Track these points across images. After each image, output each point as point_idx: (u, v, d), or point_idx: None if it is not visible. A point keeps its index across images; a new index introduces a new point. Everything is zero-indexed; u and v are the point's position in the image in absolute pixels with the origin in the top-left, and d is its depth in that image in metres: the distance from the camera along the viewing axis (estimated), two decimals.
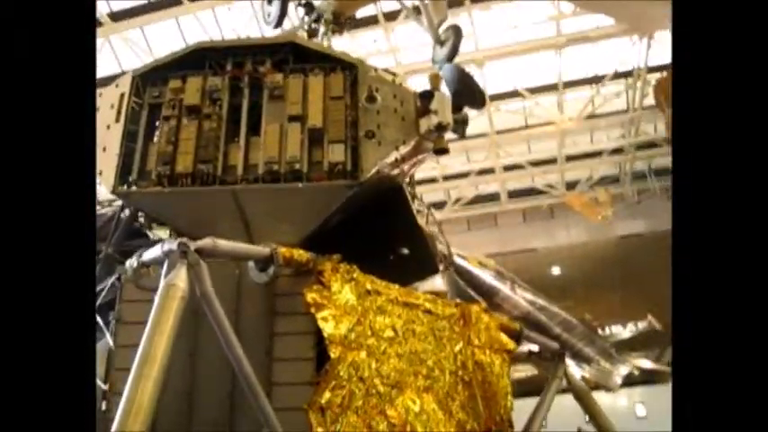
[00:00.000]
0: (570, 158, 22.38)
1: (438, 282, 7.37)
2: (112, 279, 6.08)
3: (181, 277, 4.65)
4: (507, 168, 23.23)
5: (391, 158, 6.71)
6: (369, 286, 6.09)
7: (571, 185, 22.91)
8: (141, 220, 7.96)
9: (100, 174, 6.61)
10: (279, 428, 5.04)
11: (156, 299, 4.53)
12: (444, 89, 7.34)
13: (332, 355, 5.43)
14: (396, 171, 7.03)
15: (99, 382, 5.69)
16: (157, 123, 6.94)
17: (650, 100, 19.80)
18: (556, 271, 25.18)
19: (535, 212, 24.67)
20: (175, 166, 6.55)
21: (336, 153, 6.58)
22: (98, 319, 6.29)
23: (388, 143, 6.70)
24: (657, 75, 18.96)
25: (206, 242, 5.01)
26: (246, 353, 5.48)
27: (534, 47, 19.41)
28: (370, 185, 6.66)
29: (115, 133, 6.75)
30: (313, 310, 5.66)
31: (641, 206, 22.52)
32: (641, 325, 20.24)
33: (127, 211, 7.75)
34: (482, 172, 23.39)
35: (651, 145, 21.77)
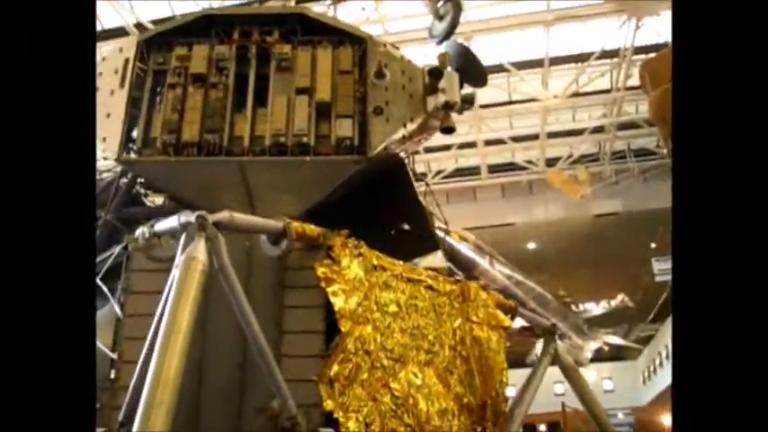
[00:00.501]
0: (551, 135, 22.59)
1: (438, 258, 7.47)
2: (119, 248, 6.05)
3: (200, 250, 4.69)
4: (489, 143, 23.35)
5: (399, 135, 6.75)
6: (375, 261, 6.18)
7: (551, 162, 23.15)
8: (139, 187, 7.94)
9: (103, 140, 6.55)
10: (290, 399, 5.15)
11: (177, 271, 4.56)
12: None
13: (342, 329, 5.53)
14: (401, 148, 7.08)
15: (107, 351, 5.72)
16: (162, 90, 6.88)
17: (634, 81, 20.01)
18: (531, 246, 25.53)
19: (514, 188, 24.89)
20: (181, 135, 6.51)
21: (344, 128, 6.60)
22: (102, 286, 6.29)
23: (396, 120, 6.74)
24: (644, 56, 19.11)
25: (223, 215, 5.03)
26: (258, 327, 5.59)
27: (523, 22, 19.40)
28: (374, 161, 6.71)
29: (119, 99, 6.66)
30: (323, 284, 5.73)
31: (618, 186, 22.88)
32: (614, 302, 20.71)
33: (125, 178, 7.71)
34: (463, 146, 23.48)
35: (632, 125, 22.08)
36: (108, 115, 6.62)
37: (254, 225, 5.48)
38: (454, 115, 7.07)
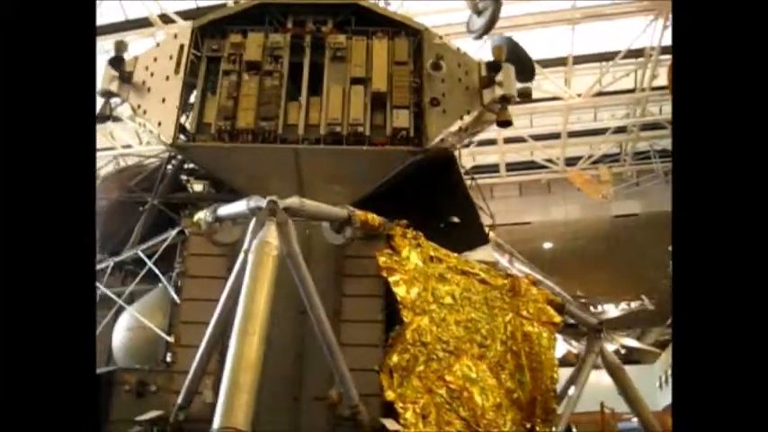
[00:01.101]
0: (572, 135, 22.45)
1: (487, 252, 7.45)
2: (174, 232, 6.04)
3: (273, 235, 4.66)
4: (508, 140, 23.22)
5: (455, 127, 6.73)
6: (432, 253, 6.17)
7: (570, 162, 23.04)
8: (181, 173, 7.95)
9: (158, 125, 6.55)
10: (353, 389, 5.13)
11: (251, 256, 4.53)
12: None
13: (405, 319, 5.51)
14: (457, 140, 7.06)
15: (162, 334, 5.71)
16: (215, 77, 6.86)
17: (659, 81, 19.89)
18: (548, 246, 25.42)
19: (532, 186, 24.75)
20: (236, 122, 6.49)
21: (401, 119, 6.57)
22: (155, 269, 6.30)
23: (453, 112, 6.72)
24: (670, 56, 18.98)
25: (293, 201, 5.01)
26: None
27: (548, 20, 19.27)
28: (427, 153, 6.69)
29: (174, 84, 6.66)
30: (385, 273, 5.73)
31: (638, 187, 22.76)
32: (634, 305, 20.59)
33: (171, 164, 7.72)
34: (483, 142, 23.37)
35: (655, 126, 21.94)
36: (163, 100, 6.63)
37: (322, 212, 5.45)
38: None
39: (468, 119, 6.79)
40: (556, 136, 22.96)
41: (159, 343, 6.06)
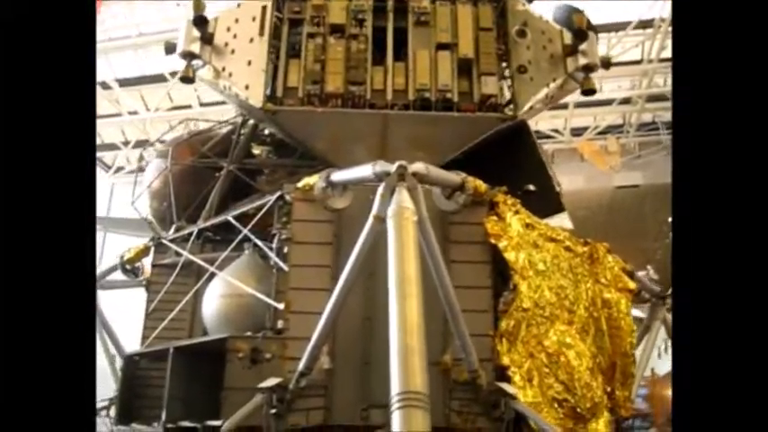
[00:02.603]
0: (578, 105, 22.56)
1: (565, 219, 7.50)
2: (274, 197, 5.98)
3: (407, 200, 4.63)
4: None
5: (542, 95, 6.73)
6: (528, 220, 6.20)
7: (575, 132, 23.19)
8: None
9: (246, 88, 6.44)
10: (474, 354, 5.18)
11: (391, 221, 4.48)
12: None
13: (517, 285, 5.57)
14: (543, 107, 7.06)
15: (271, 302, 5.68)
16: (297, 40, 6.75)
17: (667, 53, 20.03)
18: None
19: None
20: (325, 86, 6.42)
21: (490, 85, 6.55)
22: (250, 236, 6.24)
23: (540, 80, 6.71)
24: None
25: (419, 166, 4.98)
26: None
27: None
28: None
29: (259, 47, 6.55)
30: (492, 239, 5.76)
31: (640, 159, 23.00)
32: (640, 274, 20.83)
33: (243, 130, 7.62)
34: None
35: (661, 98, 22.14)
36: (249, 63, 6.52)
37: (441, 177, 5.42)
38: None
39: (553, 86, 6.78)
40: (562, 106, 23.00)
41: (255, 310, 6.03)
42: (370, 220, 4.77)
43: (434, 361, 5.51)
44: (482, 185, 5.78)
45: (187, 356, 5.86)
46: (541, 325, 5.97)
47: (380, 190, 4.83)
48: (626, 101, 22.67)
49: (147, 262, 7.36)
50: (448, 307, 5.03)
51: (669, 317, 7.95)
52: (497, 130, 6.73)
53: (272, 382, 5.04)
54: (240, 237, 6.18)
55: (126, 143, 23.19)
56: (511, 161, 7.26)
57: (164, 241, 6.86)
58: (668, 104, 22.18)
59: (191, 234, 6.89)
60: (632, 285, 7.09)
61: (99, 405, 6.71)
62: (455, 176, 5.51)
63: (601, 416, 6.18)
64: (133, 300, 8.36)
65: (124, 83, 20.72)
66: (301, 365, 5.05)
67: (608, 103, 22.58)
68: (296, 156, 7.63)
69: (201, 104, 21.03)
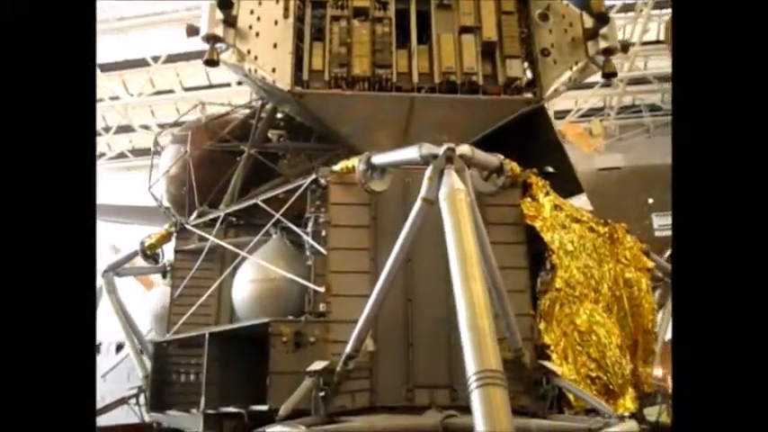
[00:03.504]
0: None
1: (584, 200, 7.60)
2: (309, 179, 5.96)
3: (459, 182, 4.65)
4: None
5: (565, 78, 6.80)
6: (556, 201, 6.28)
7: (558, 116, 23.41)
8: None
9: (273, 71, 6.39)
10: (518, 333, 5.26)
11: (445, 203, 4.49)
12: None
13: (556, 264, 5.66)
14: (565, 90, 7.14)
15: (311, 285, 5.68)
16: (321, 22, 6.71)
17: (649, 36, 20.32)
18: None
19: None
20: (351, 69, 6.40)
21: (515, 68, 6.60)
22: (284, 220, 6.21)
23: (563, 63, 6.78)
24: (659, 11, 19.31)
25: (465, 149, 4.99)
26: None
27: None
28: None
29: (285, 29, 6.50)
30: (529, 221, 5.83)
31: (622, 141, 23.34)
32: None
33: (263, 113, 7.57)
34: None
35: (642, 81, 22.46)
36: (275, 45, 6.46)
37: (483, 160, 5.45)
38: None
39: (576, 69, 6.86)
40: None
41: (286, 293, 6.03)
42: (419, 202, 4.78)
43: None
44: (516, 167, 5.84)
45: (222, 342, 5.84)
46: (573, 304, 6.08)
47: (428, 172, 4.83)
48: (607, 84, 22.94)
49: (167, 248, 7.31)
50: (494, 287, 5.09)
51: None
52: (520, 113, 6.82)
53: (320, 365, 5.06)
54: (273, 221, 6.14)
55: (107, 129, 22.81)
56: (528, 143, 7.32)
57: (187, 227, 6.79)
58: (649, 87, 22.56)
59: (214, 219, 6.84)
60: (651, 265, 7.25)
61: (128, 393, 6.67)
62: (495, 159, 5.56)
63: (627, 392, 6.33)
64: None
65: (105, 68, 20.34)
66: (348, 348, 5.06)
67: (589, 86, 22.82)
68: (313, 139, 7.61)
69: (185, 89, 20.83)
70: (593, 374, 5.92)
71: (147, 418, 6.16)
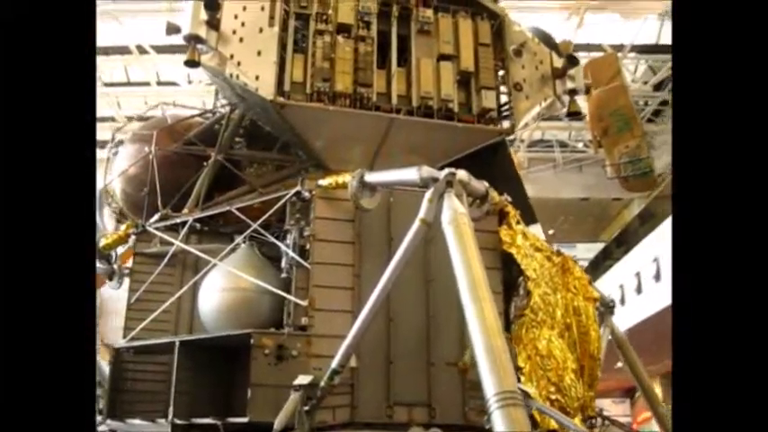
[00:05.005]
0: None
1: (539, 230, 7.91)
2: (291, 192, 5.92)
3: (461, 206, 4.78)
4: None
5: (535, 112, 7.12)
6: (524, 230, 6.55)
7: None
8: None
9: (256, 78, 6.33)
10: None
11: (450, 226, 4.60)
12: None
13: (532, 290, 5.89)
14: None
15: (292, 298, 5.63)
16: (303, 34, 6.73)
17: None
18: None
19: None
20: (334, 85, 6.44)
21: (489, 99, 6.85)
22: (262, 231, 6.14)
23: (533, 98, 7.11)
24: (585, 54, 20.45)
25: (463, 174, 5.14)
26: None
27: None
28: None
29: (270, 38, 6.45)
30: (506, 247, 6.05)
31: (530, 175, 24.43)
32: None
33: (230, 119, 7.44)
34: None
35: (551, 117, 23.56)
36: (259, 53, 6.40)
37: (476, 187, 5.59)
38: None
39: (544, 105, 7.20)
40: None
41: (256, 304, 5.94)
42: (417, 223, 4.87)
43: (453, 362, 5.76)
44: (497, 195, 6.06)
45: (192, 350, 5.67)
46: (535, 329, 6.35)
47: (428, 195, 4.94)
48: None
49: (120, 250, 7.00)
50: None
51: (615, 324, 8.61)
52: (490, 143, 7.09)
53: (305, 379, 5.02)
54: (250, 230, 6.05)
55: None
56: (488, 172, 7.58)
57: (150, 229, 6.54)
58: (559, 123, 23.74)
59: (177, 223, 6.63)
60: (597, 294, 7.66)
61: None
62: (481, 186, 5.74)
63: (578, 415, 6.66)
64: None
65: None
66: (335, 363, 5.05)
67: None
68: (275, 150, 7.54)
69: (159, 83, 20.38)
70: (553, 397, 6.19)
71: (103, 427, 5.84)
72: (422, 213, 4.87)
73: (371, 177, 5.47)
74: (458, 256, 4.44)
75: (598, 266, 22.65)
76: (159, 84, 21.24)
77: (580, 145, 24.10)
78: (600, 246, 25.24)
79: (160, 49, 19.49)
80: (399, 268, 4.94)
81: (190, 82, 21.67)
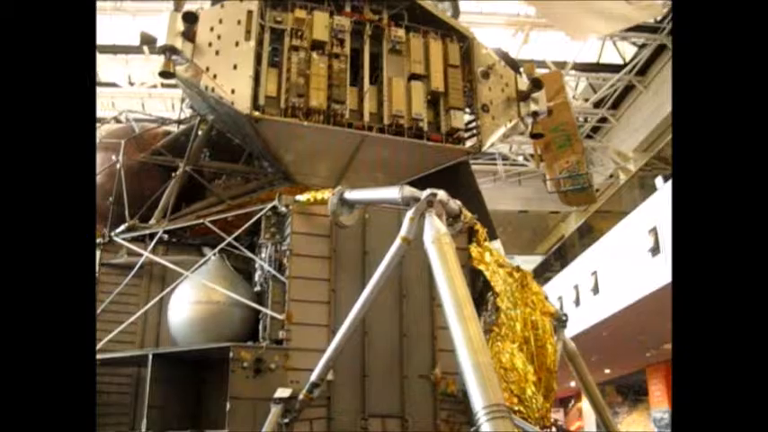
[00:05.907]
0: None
1: (499, 247, 8.14)
2: (268, 206, 5.97)
3: (443, 226, 4.94)
4: None
5: (500, 133, 7.37)
6: (489, 247, 6.78)
7: None
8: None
9: (232, 92, 6.35)
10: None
11: (433, 246, 4.73)
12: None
13: (500, 306, 6.10)
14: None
15: (269, 312, 5.67)
16: (278, 50, 6.80)
17: None
18: None
19: None
20: (309, 101, 6.53)
21: (458, 119, 7.08)
22: (236, 244, 6.17)
23: (500, 119, 7.37)
24: None
25: (442, 195, 5.31)
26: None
27: None
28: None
29: (246, 52, 6.50)
30: (475, 264, 6.25)
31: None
32: None
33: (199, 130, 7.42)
34: None
35: None
36: (234, 66, 6.43)
37: (451, 206, 5.75)
38: None
39: (509, 126, 7.47)
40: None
41: (228, 317, 5.96)
42: (398, 241, 5.01)
43: (424, 374, 5.92)
44: (468, 214, 6.25)
45: (166, 363, 5.64)
46: (499, 342, 6.58)
47: (410, 214, 5.09)
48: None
49: None
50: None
51: (567, 338, 8.95)
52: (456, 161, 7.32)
53: (285, 392, 5.09)
54: (224, 243, 6.06)
55: None
56: (451, 190, 7.80)
57: (116, 239, 6.46)
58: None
59: (145, 234, 6.58)
60: (553, 309, 7.96)
61: None
62: (455, 205, 5.92)
63: (539, 425, 6.91)
64: None
65: None
66: (314, 377, 5.14)
67: None
68: (241, 161, 7.56)
69: (131, 83, 19.90)
70: (516, 408, 6.41)
71: None
72: (403, 231, 5.00)
73: (351, 195, 5.59)
74: (441, 276, 4.59)
75: (537, 278, 23.22)
76: (99, 84, 20.74)
77: (520, 158, 24.70)
78: (538, 258, 25.89)
79: (102, 49, 19.06)
80: (381, 284, 5.06)
81: (131, 83, 21.28)
